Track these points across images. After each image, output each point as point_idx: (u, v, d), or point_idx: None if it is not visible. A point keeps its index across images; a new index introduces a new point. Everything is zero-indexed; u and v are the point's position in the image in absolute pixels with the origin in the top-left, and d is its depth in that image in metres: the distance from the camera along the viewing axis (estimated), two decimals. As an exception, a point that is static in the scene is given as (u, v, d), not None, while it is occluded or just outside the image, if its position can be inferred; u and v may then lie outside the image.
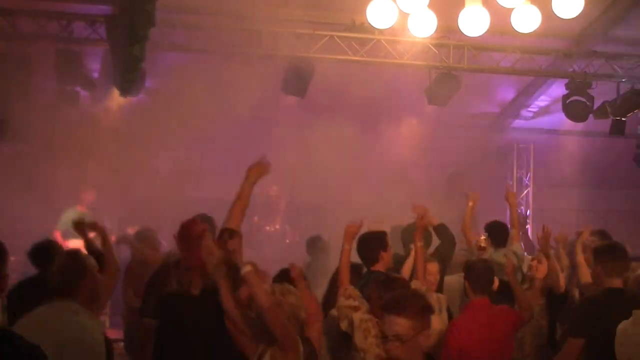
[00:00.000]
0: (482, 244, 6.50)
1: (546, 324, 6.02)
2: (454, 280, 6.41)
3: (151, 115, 10.48)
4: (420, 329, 3.44)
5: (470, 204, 7.02)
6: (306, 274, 5.13)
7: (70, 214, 10.30)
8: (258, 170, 5.39)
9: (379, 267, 5.65)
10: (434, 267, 6.10)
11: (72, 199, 10.65)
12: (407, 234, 6.59)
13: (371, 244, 5.74)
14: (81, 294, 4.03)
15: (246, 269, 4.30)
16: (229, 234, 4.87)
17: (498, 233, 6.93)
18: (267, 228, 10.80)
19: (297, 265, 4.99)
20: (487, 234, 6.79)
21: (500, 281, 5.87)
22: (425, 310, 3.52)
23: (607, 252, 5.21)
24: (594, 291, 5.48)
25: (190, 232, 4.75)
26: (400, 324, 3.41)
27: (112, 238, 7.52)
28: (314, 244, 8.12)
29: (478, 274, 5.34)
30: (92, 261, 4.23)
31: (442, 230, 6.48)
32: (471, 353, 5.07)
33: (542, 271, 6.07)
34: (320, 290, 5.76)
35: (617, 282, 5.03)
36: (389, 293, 4.11)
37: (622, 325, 4.59)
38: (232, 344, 4.55)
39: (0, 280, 2.83)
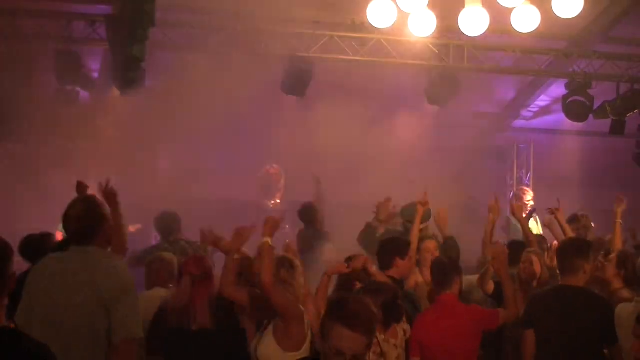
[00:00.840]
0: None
1: None
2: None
3: (151, 115, 10.48)
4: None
5: (492, 217, 6.89)
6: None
7: None
8: (241, 239, 5.18)
9: (393, 273, 5.57)
10: (432, 244, 6.22)
11: (72, 198, 10.64)
12: (407, 212, 6.65)
13: (388, 249, 5.72)
14: (98, 240, 4.04)
15: (264, 240, 4.63)
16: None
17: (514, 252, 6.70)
18: (267, 202, 10.85)
19: (292, 245, 5.37)
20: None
21: (496, 284, 5.86)
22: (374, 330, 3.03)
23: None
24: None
25: (192, 270, 4.91)
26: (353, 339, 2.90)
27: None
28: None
29: (443, 270, 5.31)
30: (106, 206, 4.27)
31: (450, 243, 6.51)
32: (431, 347, 5.08)
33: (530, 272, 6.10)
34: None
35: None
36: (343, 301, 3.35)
37: (621, 308, 4.76)
38: None
39: (7, 279, 2.83)
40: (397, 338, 4.92)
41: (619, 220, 7.34)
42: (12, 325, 2.90)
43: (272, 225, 4.87)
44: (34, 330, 3.69)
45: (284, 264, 4.92)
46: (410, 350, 5.09)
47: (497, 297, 5.72)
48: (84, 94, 9.47)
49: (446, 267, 5.30)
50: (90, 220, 4.02)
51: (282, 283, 4.75)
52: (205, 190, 11.46)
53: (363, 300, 3.06)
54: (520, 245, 6.71)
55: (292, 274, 4.88)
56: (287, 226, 10.81)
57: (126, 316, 3.87)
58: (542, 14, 7.77)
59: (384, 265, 5.63)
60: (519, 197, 10.51)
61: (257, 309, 4.81)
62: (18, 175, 10.13)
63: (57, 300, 3.86)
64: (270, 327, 4.62)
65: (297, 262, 5.06)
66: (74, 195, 10.53)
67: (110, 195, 5.18)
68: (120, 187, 5.65)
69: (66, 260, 4.02)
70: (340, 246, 7.00)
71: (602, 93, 10.10)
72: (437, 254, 6.18)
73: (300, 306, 4.70)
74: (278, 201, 10.90)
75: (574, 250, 5.23)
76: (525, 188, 11.06)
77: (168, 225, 7.35)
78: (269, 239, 4.68)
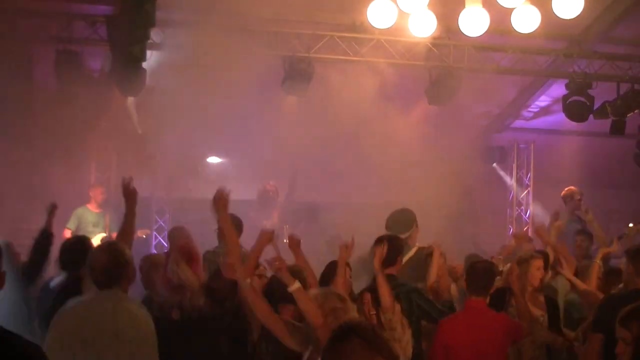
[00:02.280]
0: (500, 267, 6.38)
1: (545, 334, 5.99)
2: None
3: (151, 114, 10.49)
4: None
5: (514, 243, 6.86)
6: None
7: (80, 213, 10.31)
8: (221, 202, 5.23)
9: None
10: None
11: (73, 198, 10.64)
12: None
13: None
14: (122, 284, 4.18)
15: (295, 287, 4.41)
16: None
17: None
18: (264, 222, 10.81)
19: (294, 235, 5.26)
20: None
21: (495, 290, 5.85)
22: None
23: None
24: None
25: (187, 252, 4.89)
26: None
27: (113, 236, 7.54)
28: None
29: (478, 274, 5.32)
30: (129, 251, 4.33)
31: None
32: (457, 352, 5.06)
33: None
34: None
35: None
36: None
37: None
38: None
39: None
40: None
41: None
42: None
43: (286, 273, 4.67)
44: None
45: (341, 298, 4.59)
46: (435, 352, 5.08)
47: (496, 306, 5.64)
48: (84, 94, 9.46)
49: (487, 273, 5.29)
50: (114, 268, 4.19)
51: (334, 312, 4.40)
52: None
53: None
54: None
55: (344, 305, 4.51)
56: (287, 226, 10.84)
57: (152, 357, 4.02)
58: (542, 14, 7.77)
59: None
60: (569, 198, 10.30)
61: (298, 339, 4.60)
62: (19, 175, 10.14)
63: (80, 347, 4.01)
64: None
65: (298, 252, 5.00)
66: (75, 194, 10.62)
67: (130, 193, 5.18)
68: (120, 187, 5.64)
69: (91, 306, 4.16)
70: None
71: (602, 93, 10.09)
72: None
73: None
74: (275, 221, 10.87)
75: None
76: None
77: (235, 225, 7.10)
78: (297, 285, 4.45)
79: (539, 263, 6.11)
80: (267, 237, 5.12)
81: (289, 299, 4.60)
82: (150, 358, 4.08)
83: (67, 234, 9.85)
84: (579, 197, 9.80)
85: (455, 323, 5.19)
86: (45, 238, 5.83)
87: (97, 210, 10.44)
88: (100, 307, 4.10)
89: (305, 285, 4.93)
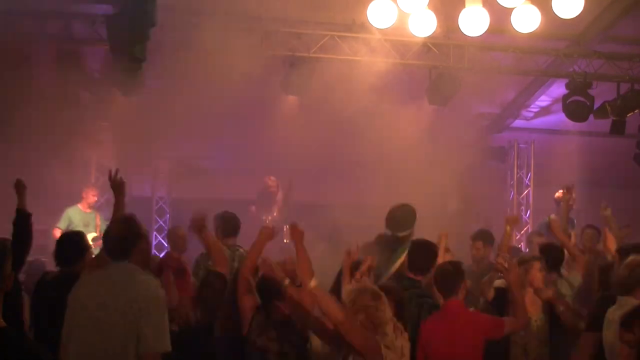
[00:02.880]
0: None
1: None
2: None
3: (151, 114, 10.48)
4: None
5: (508, 228, 6.85)
6: None
7: (70, 213, 10.33)
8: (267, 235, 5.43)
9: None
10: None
11: (73, 198, 10.65)
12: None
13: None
14: (134, 257, 4.23)
15: (313, 284, 4.42)
16: (215, 276, 5.25)
17: (553, 256, 6.58)
18: (265, 218, 10.84)
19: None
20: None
21: (496, 289, 5.84)
22: None
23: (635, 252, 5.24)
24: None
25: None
26: None
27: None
28: None
29: (448, 277, 5.25)
30: (144, 226, 4.40)
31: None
32: (435, 354, 5.04)
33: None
34: None
35: None
36: None
37: (610, 314, 4.65)
38: None
39: (3, 278, 2.85)
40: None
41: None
42: (4, 324, 2.89)
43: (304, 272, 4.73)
44: (72, 344, 4.05)
45: (367, 290, 4.58)
46: (417, 357, 5.08)
47: (497, 305, 5.66)
48: (84, 94, 9.47)
49: (452, 274, 5.25)
50: (127, 238, 4.27)
51: (365, 309, 4.43)
52: (206, 190, 11.47)
53: None
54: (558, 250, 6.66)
55: (377, 299, 4.52)
56: (287, 226, 10.85)
57: (153, 330, 4.03)
58: (542, 14, 7.76)
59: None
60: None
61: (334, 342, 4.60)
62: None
63: (93, 316, 4.11)
64: None
65: (300, 244, 5.00)
66: (75, 194, 10.62)
67: (118, 184, 5.20)
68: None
69: (104, 277, 4.26)
70: (343, 247, 6.98)
71: (602, 93, 10.09)
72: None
73: (377, 341, 4.43)
74: (275, 214, 10.88)
75: None
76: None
77: (229, 225, 7.09)
78: (314, 281, 4.47)
79: (539, 264, 6.07)
80: (268, 235, 5.15)
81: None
82: (162, 324, 4.11)
83: (57, 233, 9.86)
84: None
85: (432, 324, 5.18)
86: (21, 217, 5.69)
87: (87, 210, 10.47)
88: (115, 275, 4.20)
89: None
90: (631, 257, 4.82)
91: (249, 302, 4.97)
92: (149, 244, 4.46)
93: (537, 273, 5.95)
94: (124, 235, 4.27)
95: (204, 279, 5.32)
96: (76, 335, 4.09)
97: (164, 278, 5.05)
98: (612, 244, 6.73)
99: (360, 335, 4.30)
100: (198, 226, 5.54)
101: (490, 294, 5.89)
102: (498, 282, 5.98)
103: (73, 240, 5.63)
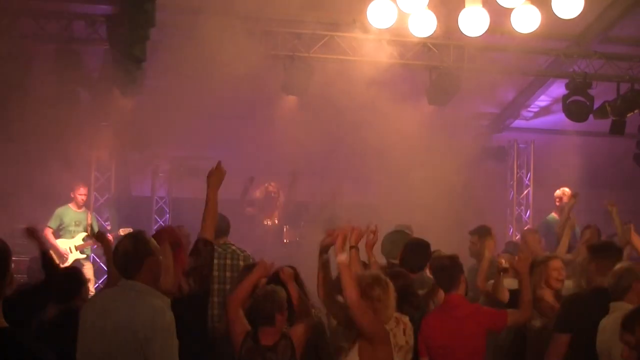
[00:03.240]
0: (505, 265, 6.19)
1: None
2: None
3: (151, 114, 10.47)
4: None
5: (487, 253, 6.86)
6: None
7: (61, 212, 10.29)
8: (217, 176, 5.44)
9: None
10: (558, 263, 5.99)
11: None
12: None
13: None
14: (144, 274, 4.13)
15: (341, 258, 4.43)
16: (203, 243, 5.11)
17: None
18: (266, 222, 10.84)
19: (286, 269, 5.17)
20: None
21: (510, 292, 5.83)
22: None
23: (603, 251, 5.24)
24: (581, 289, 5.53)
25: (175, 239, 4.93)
26: None
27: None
28: None
29: (447, 271, 5.22)
30: (154, 242, 4.32)
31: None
32: (436, 348, 5.05)
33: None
34: None
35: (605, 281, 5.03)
36: None
37: (604, 320, 4.63)
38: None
39: (4, 281, 2.84)
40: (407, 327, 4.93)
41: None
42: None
43: (347, 239, 4.66)
44: None
45: (380, 282, 4.63)
46: (418, 350, 5.09)
47: (514, 306, 5.57)
48: (84, 94, 9.48)
49: (450, 268, 5.26)
50: (133, 255, 4.16)
51: (374, 301, 4.51)
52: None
53: None
54: None
55: (386, 292, 4.60)
56: (277, 221, 10.85)
57: (159, 357, 3.97)
58: (542, 14, 7.76)
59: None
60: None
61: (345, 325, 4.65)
62: (18, 175, 10.13)
63: (101, 338, 4.06)
64: (356, 348, 4.49)
65: (388, 281, 4.85)
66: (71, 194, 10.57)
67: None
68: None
69: (111, 299, 4.20)
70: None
71: (602, 93, 10.10)
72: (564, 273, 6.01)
73: (386, 330, 4.50)
74: (276, 221, 10.89)
75: None
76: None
77: (219, 226, 7.17)
78: (344, 255, 4.44)
79: (556, 264, 6.01)
80: (264, 271, 5.16)
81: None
82: (167, 350, 4.02)
83: (48, 232, 9.87)
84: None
85: (434, 318, 5.20)
86: (46, 259, 5.65)
87: (79, 210, 10.41)
88: (121, 297, 4.12)
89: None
90: (618, 266, 4.84)
91: (238, 327, 5.00)
92: (159, 262, 4.28)
93: (552, 272, 5.93)
94: (130, 251, 4.16)
95: (192, 249, 5.30)
96: (86, 352, 4.08)
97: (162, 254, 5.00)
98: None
99: (370, 321, 4.36)
100: (216, 179, 5.49)
101: (505, 295, 5.86)
102: (508, 282, 5.98)
103: (70, 275, 5.62)
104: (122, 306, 4.06)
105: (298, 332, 4.87)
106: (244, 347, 4.90)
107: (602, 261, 5.13)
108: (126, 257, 4.15)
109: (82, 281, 5.60)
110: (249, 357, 4.86)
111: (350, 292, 4.35)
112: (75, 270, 5.87)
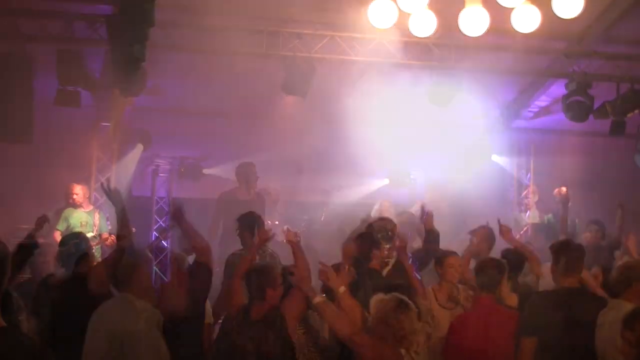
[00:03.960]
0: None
1: None
2: None
3: (151, 114, 10.48)
4: None
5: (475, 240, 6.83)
6: None
7: (67, 213, 10.22)
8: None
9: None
10: (456, 260, 6.14)
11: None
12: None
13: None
14: (135, 286, 4.34)
15: (316, 299, 4.48)
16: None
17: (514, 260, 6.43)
18: (267, 223, 10.87)
19: (291, 230, 5.34)
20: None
21: (520, 296, 5.81)
22: None
23: (565, 249, 5.19)
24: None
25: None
26: None
27: (112, 237, 7.55)
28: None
29: (487, 271, 5.29)
30: (146, 255, 4.49)
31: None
32: (470, 349, 5.07)
33: None
34: None
35: (572, 281, 5.01)
36: None
37: (602, 317, 4.62)
38: None
39: (1, 279, 2.85)
40: None
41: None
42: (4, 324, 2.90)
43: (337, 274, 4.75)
44: None
45: (401, 306, 4.39)
46: (446, 352, 5.09)
47: (522, 309, 5.55)
48: (85, 94, 9.48)
49: (491, 269, 5.27)
50: (123, 269, 4.44)
51: (385, 321, 4.31)
52: (205, 189, 11.48)
53: None
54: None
55: (408, 315, 4.34)
56: (277, 222, 10.86)
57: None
58: (542, 14, 7.76)
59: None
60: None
61: None
62: (19, 175, 10.14)
63: (101, 343, 4.38)
64: None
65: (297, 248, 5.06)
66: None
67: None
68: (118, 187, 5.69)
69: (105, 308, 4.46)
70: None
71: (602, 93, 10.09)
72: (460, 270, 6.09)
73: (398, 351, 4.30)
74: (277, 222, 10.90)
75: None
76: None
77: (252, 225, 7.28)
78: (318, 297, 4.51)
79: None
80: (265, 235, 5.27)
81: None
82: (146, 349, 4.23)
83: (57, 236, 9.74)
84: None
85: (465, 319, 5.21)
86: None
87: (86, 209, 10.30)
88: (113, 307, 4.35)
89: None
90: (623, 260, 4.86)
91: (235, 300, 5.11)
92: (146, 273, 4.48)
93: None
94: (121, 265, 4.46)
95: (190, 271, 5.39)
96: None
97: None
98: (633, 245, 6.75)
99: (371, 350, 4.29)
100: (177, 217, 5.59)
101: (513, 300, 5.86)
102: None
103: (74, 242, 5.66)
104: (111, 317, 4.48)
105: (290, 304, 4.95)
106: (236, 320, 4.98)
107: (568, 261, 5.08)
108: (117, 272, 4.58)
109: (88, 247, 5.80)
110: (238, 331, 4.93)
111: (339, 329, 4.33)
112: (81, 235, 6.06)
